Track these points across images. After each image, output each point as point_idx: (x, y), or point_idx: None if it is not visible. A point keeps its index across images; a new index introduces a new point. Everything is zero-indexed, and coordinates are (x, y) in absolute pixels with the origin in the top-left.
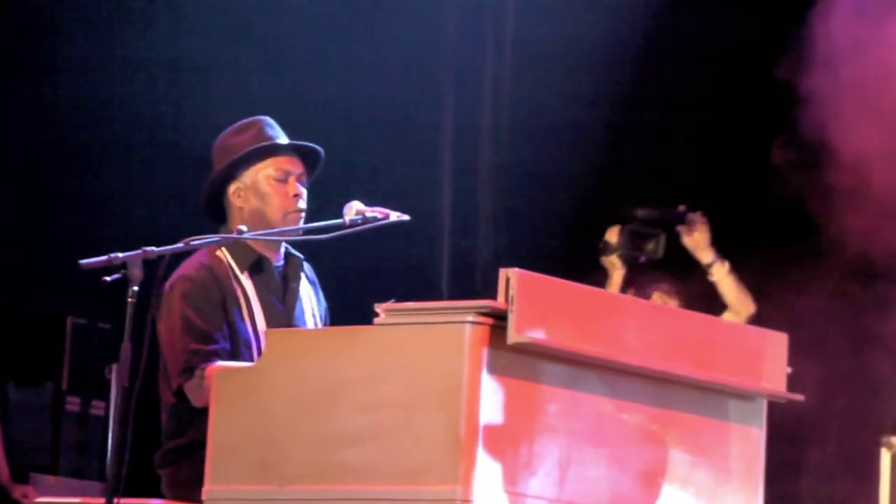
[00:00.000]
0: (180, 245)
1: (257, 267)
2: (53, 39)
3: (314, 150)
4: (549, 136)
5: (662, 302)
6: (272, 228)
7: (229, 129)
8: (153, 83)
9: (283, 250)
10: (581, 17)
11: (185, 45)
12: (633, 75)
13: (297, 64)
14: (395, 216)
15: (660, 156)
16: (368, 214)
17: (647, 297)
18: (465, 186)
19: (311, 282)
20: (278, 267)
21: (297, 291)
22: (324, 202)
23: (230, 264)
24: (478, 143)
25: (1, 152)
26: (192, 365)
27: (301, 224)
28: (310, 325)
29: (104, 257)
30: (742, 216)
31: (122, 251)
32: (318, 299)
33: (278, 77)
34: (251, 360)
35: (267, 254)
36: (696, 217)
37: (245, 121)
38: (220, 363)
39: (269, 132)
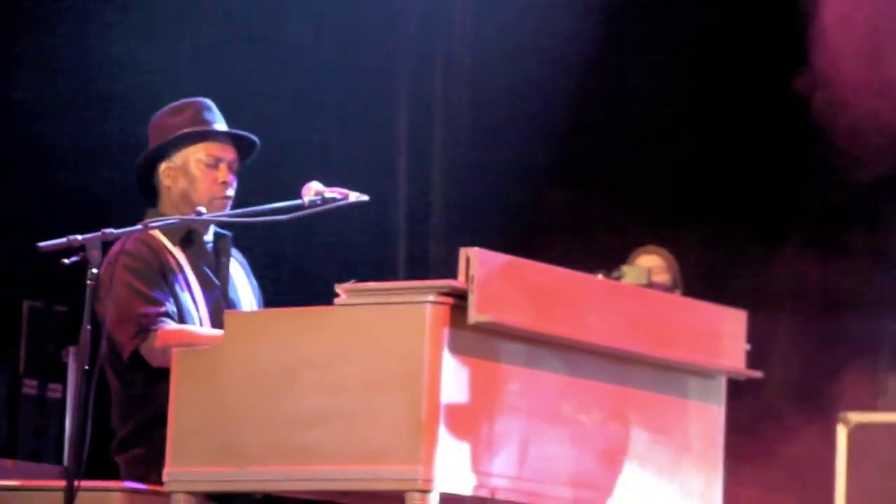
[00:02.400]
0: (139, 227)
1: (188, 240)
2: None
3: (248, 139)
4: (504, 131)
5: (654, 274)
6: (197, 211)
7: (167, 107)
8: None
9: (212, 229)
10: (535, 13)
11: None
12: (590, 68)
13: (255, 46)
14: (354, 197)
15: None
16: (327, 195)
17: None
18: (420, 173)
19: (240, 263)
20: (208, 242)
21: (227, 267)
22: (282, 183)
23: (161, 239)
24: (432, 131)
25: None
26: (145, 326)
27: (227, 210)
28: (245, 302)
29: (63, 239)
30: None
31: (81, 233)
32: (251, 281)
33: (242, 59)
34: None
35: (197, 228)
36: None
37: (183, 101)
38: (171, 324)
39: (206, 115)
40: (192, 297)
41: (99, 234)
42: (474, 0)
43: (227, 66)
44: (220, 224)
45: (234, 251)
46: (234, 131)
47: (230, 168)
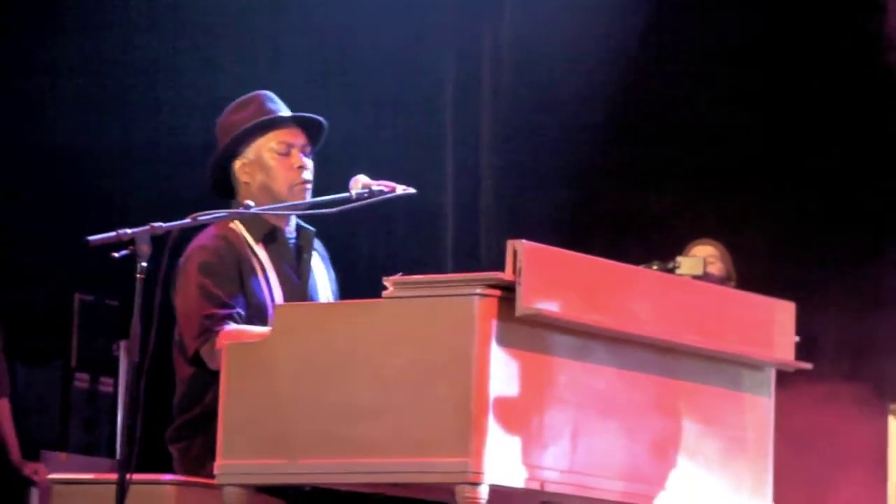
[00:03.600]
0: (188, 220)
1: (271, 237)
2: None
3: (315, 121)
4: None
5: (709, 265)
6: (280, 201)
7: (230, 106)
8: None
9: (294, 222)
10: (575, 16)
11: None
12: (630, 72)
13: (300, 40)
14: (401, 189)
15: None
16: (374, 188)
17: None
18: (467, 165)
19: (321, 256)
20: (291, 238)
21: (309, 263)
22: (329, 177)
23: (244, 235)
24: (479, 123)
25: (6, 131)
26: (208, 327)
27: (308, 194)
28: (323, 296)
29: (112, 233)
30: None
31: (130, 227)
32: (329, 274)
33: (287, 54)
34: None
35: (279, 224)
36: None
37: (245, 97)
38: (234, 326)
39: (270, 106)
40: (272, 296)
41: (147, 227)
42: (517, 5)
43: (272, 61)
44: (304, 218)
45: (317, 243)
46: (298, 115)
47: (303, 152)
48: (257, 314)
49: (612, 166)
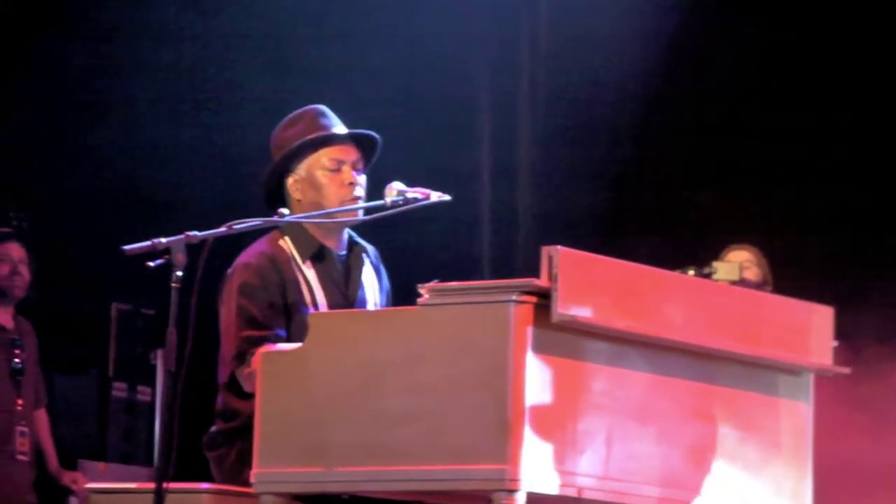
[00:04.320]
0: (223, 229)
1: (319, 256)
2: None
3: (368, 137)
4: (586, 131)
5: (745, 270)
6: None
7: (283, 121)
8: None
9: (346, 238)
10: (612, 13)
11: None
12: (669, 71)
13: (336, 49)
14: (436, 196)
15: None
16: (409, 195)
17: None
18: (504, 171)
19: (374, 267)
20: (341, 256)
21: (359, 280)
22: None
23: (292, 253)
24: (516, 129)
25: (43, 142)
26: (244, 351)
27: (360, 213)
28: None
29: (147, 242)
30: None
31: (166, 236)
32: (381, 285)
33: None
34: None
35: (329, 243)
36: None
37: (298, 112)
38: (269, 347)
39: (322, 121)
40: None
41: (182, 236)
42: (554, 3)
43: (306, 68)
44: (356, 231)
45: (372, 253)
46: (351, 131)
47: (354, 168)
48: (302, 334)
49: (650, 166)
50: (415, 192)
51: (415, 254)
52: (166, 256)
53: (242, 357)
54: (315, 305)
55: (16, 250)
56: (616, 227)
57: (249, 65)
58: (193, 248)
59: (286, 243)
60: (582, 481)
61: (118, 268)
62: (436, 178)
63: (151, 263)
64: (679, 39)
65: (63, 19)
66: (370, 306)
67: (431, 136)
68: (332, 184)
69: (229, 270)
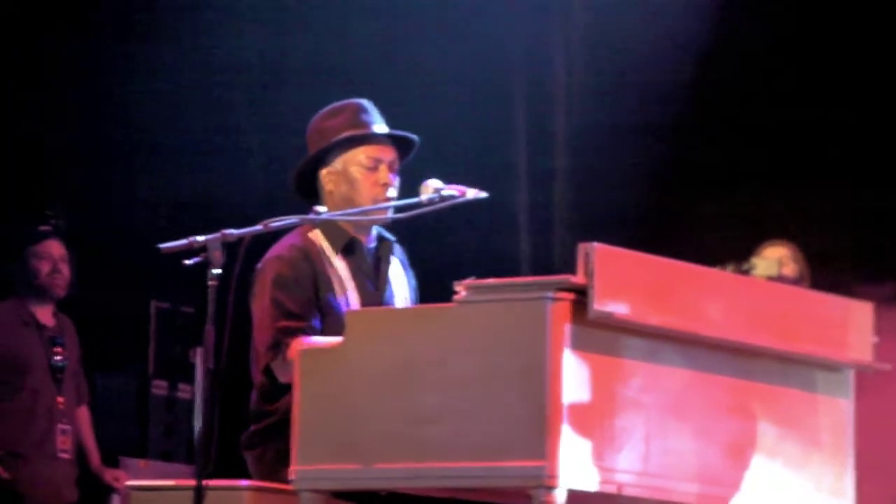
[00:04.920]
0: (259, 227)
1: (350, 249)
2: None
3: (407, 139)
4: (622, 129)
5: (783, 266)
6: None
7: (324, 110)
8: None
9: (375, 232)
10: (646, 14)
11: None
12: (704, 69)
13: (372, 47)
14: (472, 193)
15: (728, 152)
16: (445, 192)
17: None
18: (541, 168)
19: (402, 263)
20: (371, 249)
21: (387, 274)
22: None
23: (322, 246)
24: (553, 126)
25: (83, 140)
26: (279, 341)
27: (390, 211)
28: (400, 305)
29: (184, 241)
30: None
31: (203, 234)
32: (409, 280)
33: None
34: None
35: (359, 236)
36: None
37: (340, 103)
38: (305, 339)
39: (364, 117)
40: (349, 307)
41: (219, 234)
42: (588, 4)
43: (344, 63)
44: (385, 226)
45: (398, 251)
46: (391, 132)
47: (390, 168)
48: (334, 326)
49: (686, 165)
50: (451, 190)
51: (452, 251)
52: (203, 254)
53: (277, 347)
54: (346, 297)
55: (56, 248)
56: (653, 225)
57: (286, 62)
58: (230, 246)
59: (317, 236)
60: (621, 478)
61: (157, 266)
62: (472, 175)
63: (188, 261)
64: (714, 38)
65: (99, 15)
66: (399, 300)
67: (467, 133)
68: (367, 182)
69: (260, 264)
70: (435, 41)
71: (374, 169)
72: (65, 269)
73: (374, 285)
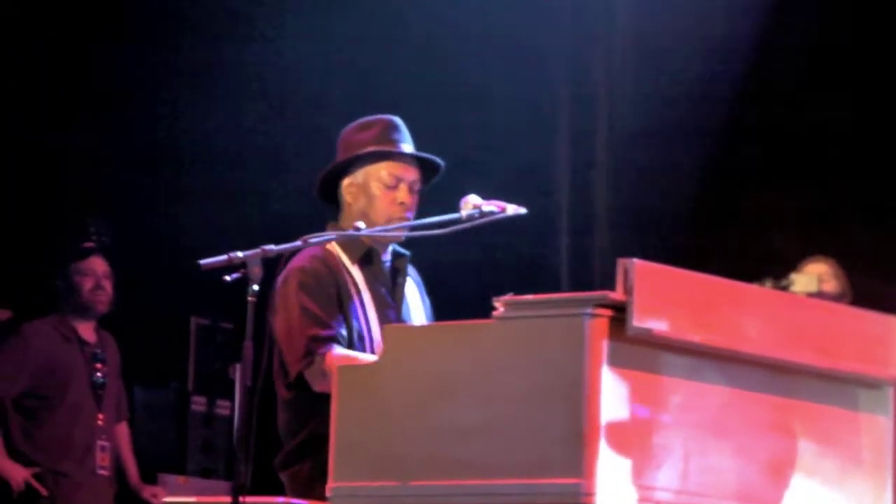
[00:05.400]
0: (298, 243)
1: (367, 259)
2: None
3: (432, 162)
4: (664, 134)
5: (823, 282)
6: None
7: (356, 123)
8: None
9: (390, 247)
10: (693, 14)
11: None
12: (747, 71)
13: (414, 59)
14: (511, 210)
15: (769, 154)
16: (485, 208)
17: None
18: (581, 183)
19: (415, 282)
20: (386, 261)
21: (403, 287)
22: (439, 197)
23: (341, 256)
24: (593, 139)
25: (122, 156)
26: (312, 350)
27: (404, 232)
28: (417, 318)
29: (224, 256)
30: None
31: (242, 250)
32: (424, 300)
33: (396, 74)
34: (363, 350)
35: (376, 247)
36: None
37: (372, 118)
38: (339, 349)
39: (393, 135)
40: (366, 318)
41: (258, 250)
42: (633, 3)
43: (387, 79)
44: (399, 243)
45: (410, 269)
46: (416, 153)
47: (411, 189)
48: (352, 337)
49: (729, 166)
50: (490, 206)
51: (491, 264)
52: (242, 270)
53: (311, 356)
54: (363, 307)
55: (100, 265)
56: (697, 228)
57: (327, 69)
58: (269, 262)
59: (334, 247)
60: (660, 495)
61: (197, 282)
62: (513, 184)
63: (228, 277)
64: (759, 39)
65: (146, 27)
66: (415, 312)
67: (508, 141)
68: (385, 199)
69: (281, 277)
70: (476, 50)
71: (393, 187)
72: (108, 286)
73: (390, 296)
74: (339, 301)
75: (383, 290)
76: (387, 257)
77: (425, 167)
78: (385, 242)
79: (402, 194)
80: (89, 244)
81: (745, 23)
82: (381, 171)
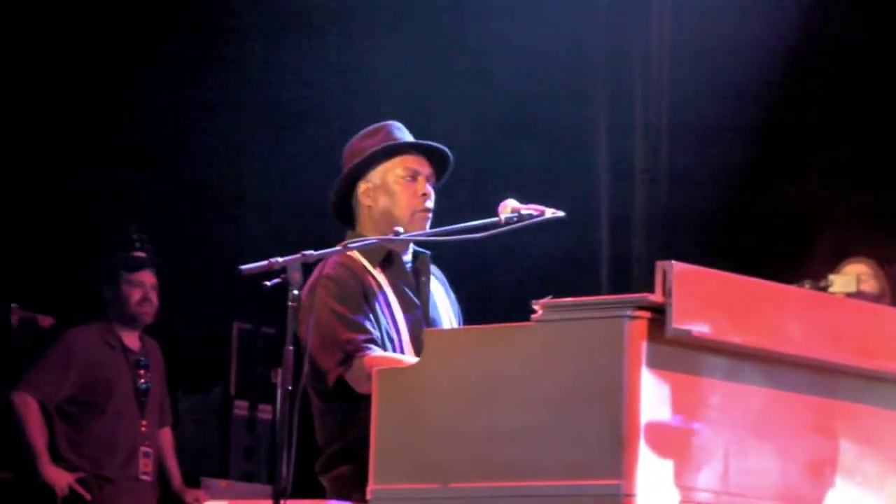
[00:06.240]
0: (338, 248)
1: (388, 261)
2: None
3: (441, 152)
4: (703, 134)
5: (862, 283)
6: (400, 227)
7: (359, 133)
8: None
9: (411, 248)
10: (733, 15)
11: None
12: (786, 74)
13: (448, 64)
14: (550, 213)
15: (811, 157)
16: (524, 212)
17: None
18: (621, 186)
19: (439, 280)
20: (408, 262)
21: (428, 285)
22: (479, 201)
23: (362, 261)
24: (632, 142)
25: (161, 162)
26: (350, 354)
27: (428, 224)
28: (445, 318)
29: (264, 262)
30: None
31: (282, 255)
32: (451, 299)
33: (437, 79)
34: (394, 350)
35: (396, 249)
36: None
37: (373, 126)
38: (377, 351)
39: (398, 134)
40: (393, 319)
41: (299, 255)
42: (671, 4)
43: (422, 82)
44: (418, 243)
45: (433, 268)
46: (427, 143)
47: (428, 181)
48: (382, 338)
49: (768, 167)
50: (529, 209)
51: (531, 266)
52: (283, 276)
53: (348, 361)
54: (390, 308)
55: (149, 277)
56: (735, 231)
57: (365, 76)
58: (309, 267)
59: (354, 253)
60: (700, 496)
61: (240, 287)
62: (553, 194)
63: (268, 283)
64: (799, 42)
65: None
66: (442, 311)
67: (546, 145)
68: (406, 192)
69: (308, 286)
70: (513, 59)
71: (412, 180)
72: (154, 298)
73: (416, 295)
74: (366, 303)
75: (407, 290)
76: (407, 257)
77: (435, 163)
78: (403, 242)
79: (421, 185)
80: (139, 254)
81: (786, 25)
82: (396, 168)
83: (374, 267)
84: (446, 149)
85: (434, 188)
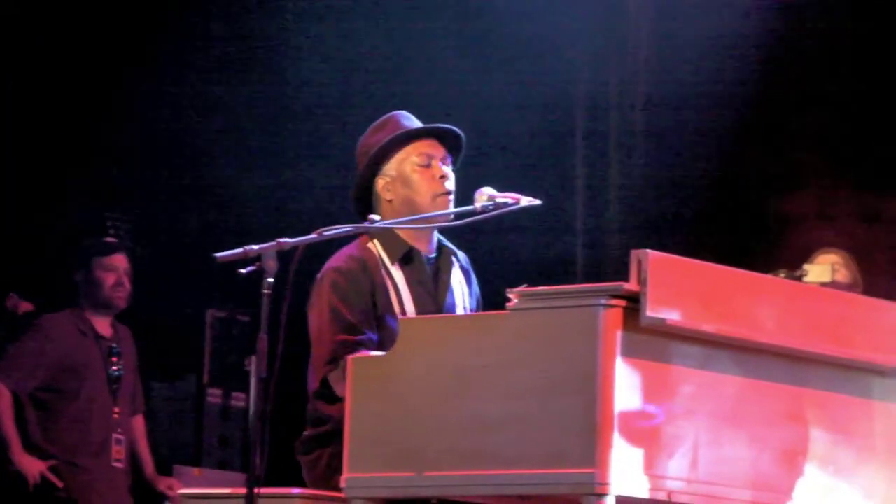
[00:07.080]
0: (313, 236)
1: (408, 258)
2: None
3: (453, 133)
4: (679, 132)
5: (835, 272)
6: (423, 213)
7: (367, 130)
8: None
9: (435, 241)
10: (711, 16)
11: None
12: (760, 75)
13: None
14: (526, 201)
15: (787, 156)
16: (499, 200)
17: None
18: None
19: (464, 270)
20: (430, 258)
21: (448, 283)
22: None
23: (381, 256)
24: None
25: (140, 151)
26: (338, 355)
27: (451, 205)
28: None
29: (239, 249)
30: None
31: (257, 243)
32: (471, 290)
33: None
34: None
35: (418, 245)
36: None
37: (381, 119)
38: (363, 353)
39: (406, 122)
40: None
41: (274, 243)
42: (652, 5)
43: (407, 69)
44: (444, 234)
45: (462, 258)
46: (435, 126)
47: (443, 163)
48: (391, 339)
49: (743, 170)
50: (505, 197)
51: (507, 258)
52: (258, 263)
53: (336, 361)
54: (402, 307)
55: (122, 262)
56: (709, 231)
57: (357, 68)
58: (284, 255)
59: (375, 246)
60: (671, 484)
61: (214, 275)
62: (529, 181)
63: (243, 270)
64: (776, 42)
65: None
66: (459, 310)
67: (525, 141)
68: (424, 178)
69: (319, 275)
70: (491, 48)
71: (427, 165)
72: (127, 283)
73: (432, 296)
74: (375, 304)
75: (424, 289)
76: (431, 254)
77: (447, 144)
78: (428, 236)
79: (437, 169)
80: (112, 240)
81: (764, 25)
82: (411, 156)
83: (392, 263)
84: (456, 129)
85: (452, 170)
